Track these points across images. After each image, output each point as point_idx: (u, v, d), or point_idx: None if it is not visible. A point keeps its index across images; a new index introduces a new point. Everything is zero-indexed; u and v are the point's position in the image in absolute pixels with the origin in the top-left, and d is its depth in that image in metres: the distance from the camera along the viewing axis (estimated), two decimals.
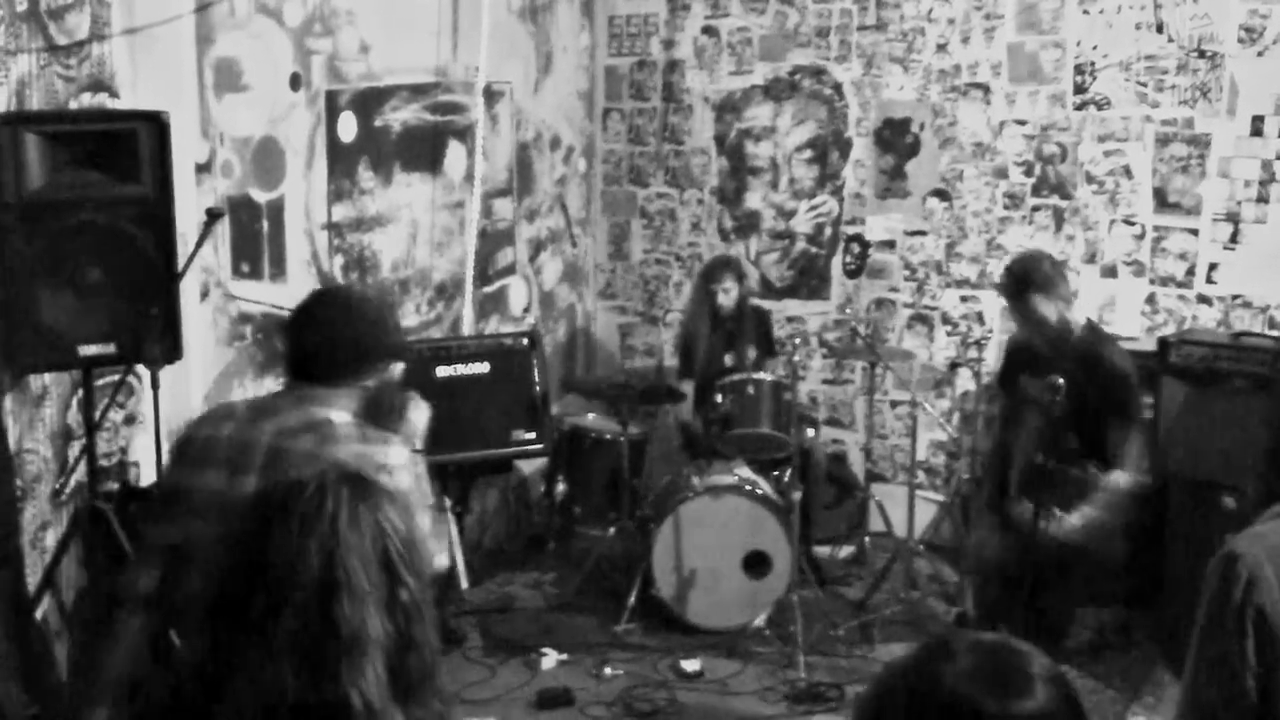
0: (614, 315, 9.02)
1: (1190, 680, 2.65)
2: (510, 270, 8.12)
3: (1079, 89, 7.58)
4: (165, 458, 4.59)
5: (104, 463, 5.25)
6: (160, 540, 3.40)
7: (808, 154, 8.34)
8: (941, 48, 7.90)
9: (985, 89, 7.83)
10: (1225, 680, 2.57)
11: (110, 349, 4.92)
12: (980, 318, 7.93)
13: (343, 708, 1.96)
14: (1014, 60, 7.73)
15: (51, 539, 5.09)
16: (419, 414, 3.78)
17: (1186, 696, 2.67)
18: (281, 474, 3.25)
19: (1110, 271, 7.59)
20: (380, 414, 3.53)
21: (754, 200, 8.52)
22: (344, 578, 2.01)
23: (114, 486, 5.27)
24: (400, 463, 3.36)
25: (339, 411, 3.39)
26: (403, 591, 2.06)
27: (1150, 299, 7.50)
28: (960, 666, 1.83)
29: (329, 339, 3.43)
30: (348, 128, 6.67)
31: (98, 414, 5.05)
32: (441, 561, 3.55)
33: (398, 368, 3.56)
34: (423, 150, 7.20)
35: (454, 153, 7.42)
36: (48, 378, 5.12)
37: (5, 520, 4.78)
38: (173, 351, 5.00)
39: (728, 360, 7.52)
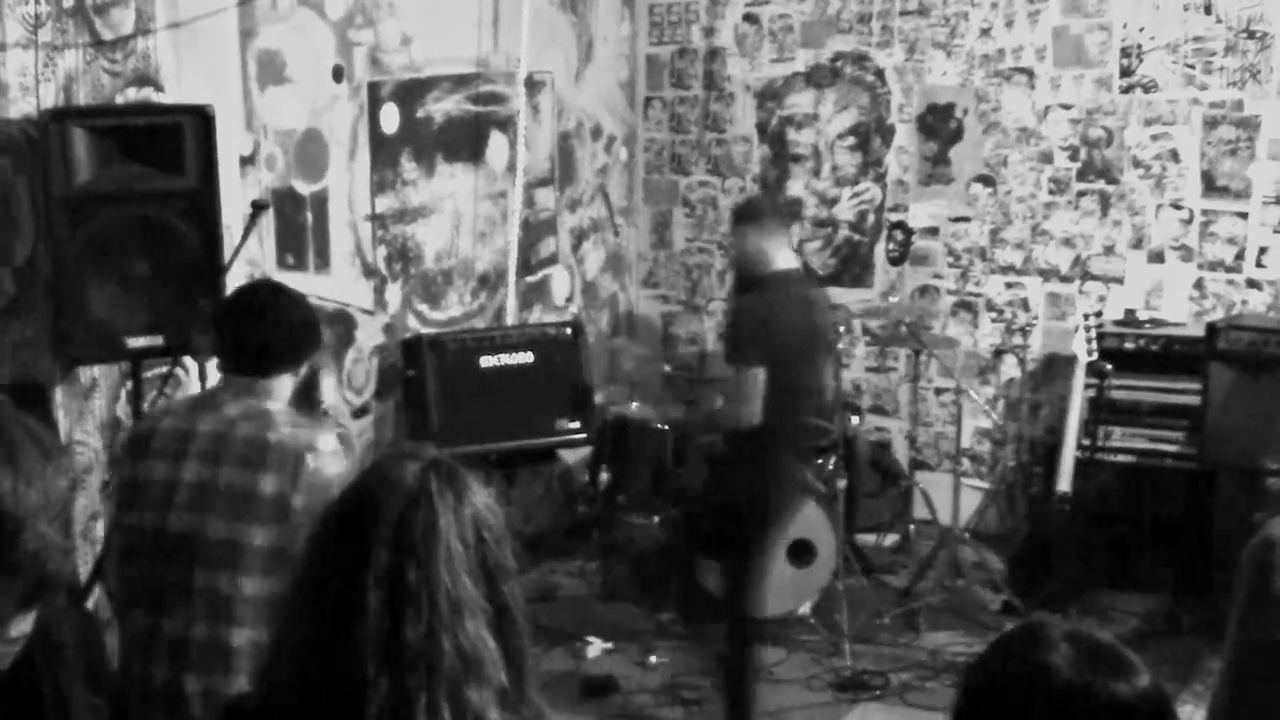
0: (656, 304, 9.03)
1: (1228, 664, 2.68)
2: (553, 260, 8.16)
3: (1125, 72, 7.54)
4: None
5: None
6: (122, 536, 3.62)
7: (850, 141, 8.32)
8: (985, 32, 7.87)
9: (1030, 73, 7.79)
10: (1263, 664, 2.60)
11: (158, 341, 5.00)
12: (1025, 304, 7.92)
13: None
14: (1059, 44, 7.70)
15: (101, 530, 5.17)
16: (333, 393, 4.02)
17: (1225, 680, 2.70)
18: (250, 463, 3.43)
19: (1157, 257, 7.56)
20: (307, 399, 3.67)
21: (796, 188, 8.51)
22: (463, 595, 1.93)
23: None
24: (330, 449, 3.51)
25: (275, 402, 3.58)
26: (502, 598, 1.99)
27: (1198, 284, 7.47)
28: (1064, 654, 1.89)
29: (268, 334, 3.59)
30: (390, 119, 6.72)
31: (146, 405, 5.12)
32: None
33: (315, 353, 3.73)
34: (465, 141, 7.25)
35: (496, 143, 7.46)
36: (96, 370, 5.19)
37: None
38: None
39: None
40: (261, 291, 3.84)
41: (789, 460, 5.79)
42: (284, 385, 3.62)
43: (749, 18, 8.52)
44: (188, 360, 5.31)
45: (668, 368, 8.06)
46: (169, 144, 4.96)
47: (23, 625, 1.71)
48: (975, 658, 2.06)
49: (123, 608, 3.67)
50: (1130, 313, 7.44)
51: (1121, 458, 7.02)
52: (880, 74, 8.21)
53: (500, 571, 2.00)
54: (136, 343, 5.00)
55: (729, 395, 5.59)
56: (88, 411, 5.18)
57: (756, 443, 5.54)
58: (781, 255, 5.64)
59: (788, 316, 5.54)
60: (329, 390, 3.93)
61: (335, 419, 3.87)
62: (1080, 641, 1.92)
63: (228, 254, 5.05)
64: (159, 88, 5.41)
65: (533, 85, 7.71)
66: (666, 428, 7.27)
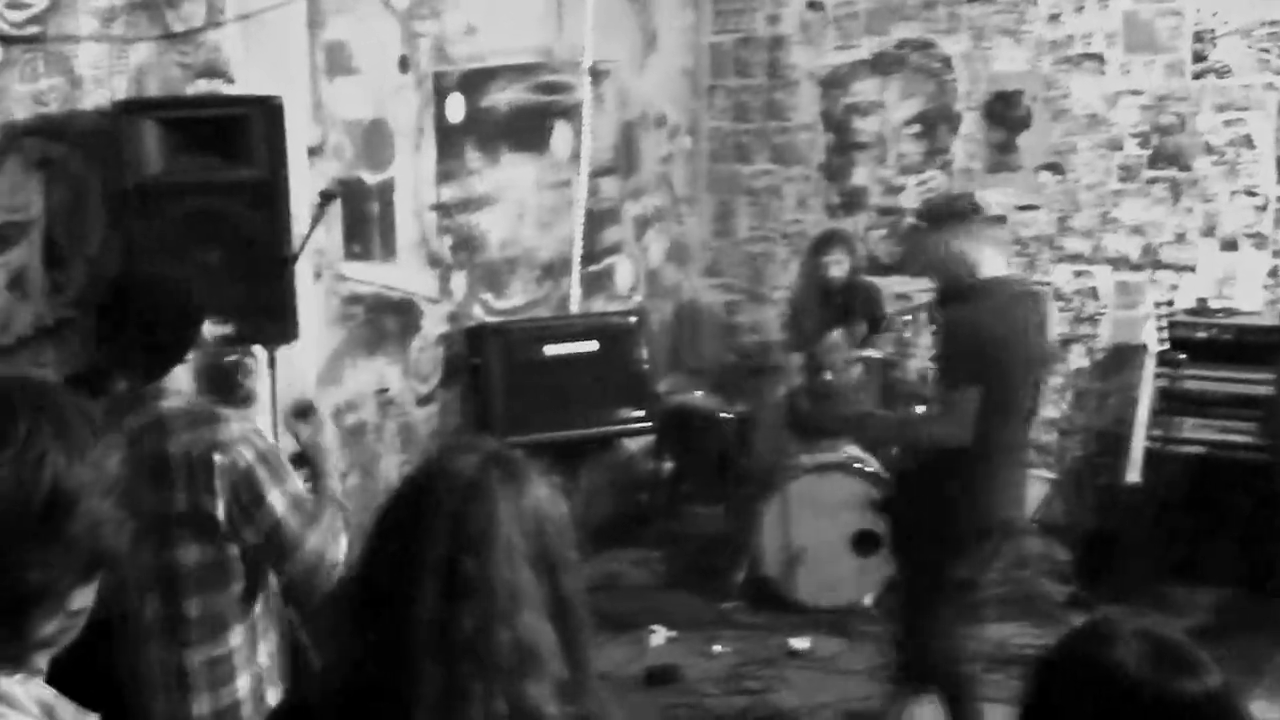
0: (719, 293, 9.04)
1: None
2: (616, 249, 8.20)
3: (1198, 57, 7.50)
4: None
5: None
6: None
7: (915, 128, 8.32)
8: (1054, 18, 7.84)
9: (1099, 59, 7.77)
10: None
11: (227, 329, 5.05)
12: (1094, 293, 7.90)
13: (534, 719, 1.91)
14: (1129, 29, 7.66)
15: None
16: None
17: None
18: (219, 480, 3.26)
19: (1230, 244, 7.53)
20: (220, 380, 3.53)
21: (861, 176, 8.51)
22: (521, 586, 1.94)
23: None
24: (237, 435, 3.36)
25: (169, 400, 3.40)
26: (562, 590, 1.98)
27: (1273, 272, 7.44)
28: (1133, 651, 1.91)
29: (145, 332, 3.41)
30: (455, 108, 6.77)
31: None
32: (330, 553, 3.41)
33: (205, 329, 3.55)
34: (529, 130, 7.29)
35: (560, 132, 7.50)
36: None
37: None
38: (288, 332, 5.12)
39: (838, 336, 7.49)
40: (124, 291, 3.57)
41: (1000, 491, 5.20)
42: (175, 378, 3.44)
43: (813, 5, 8.51)
44: (257, 348, 5.37)
45: (731, 356, 8.06)
46: (238, 135, 4.98)
47: (83, 599, 1.77)
48: (1043, 652, 2.07)
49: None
50: (1202, 301, 7.41)
51: (1192, 449, 6.97)
52: (946, 61, 8.18)
53: (561, 563, 1.99)
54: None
55: (937, 414, 5.12)
56: None
57: (963, 467, 5.02)
58: (989, 260, 5.12)
59: (1004, 331, 5.01)
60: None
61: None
62: (1150, 639, 1.93)
63: (296, 243, 5.10)
64: (228, 79, 5.46)
65: (596, 74, 7.73)
66: (728, 416, 7.29)
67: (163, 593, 3.34)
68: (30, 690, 1.76)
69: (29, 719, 1.75)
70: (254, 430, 3.45)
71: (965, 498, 5.05)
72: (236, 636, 3.41)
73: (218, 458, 3.29)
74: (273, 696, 3.47)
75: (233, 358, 5.36)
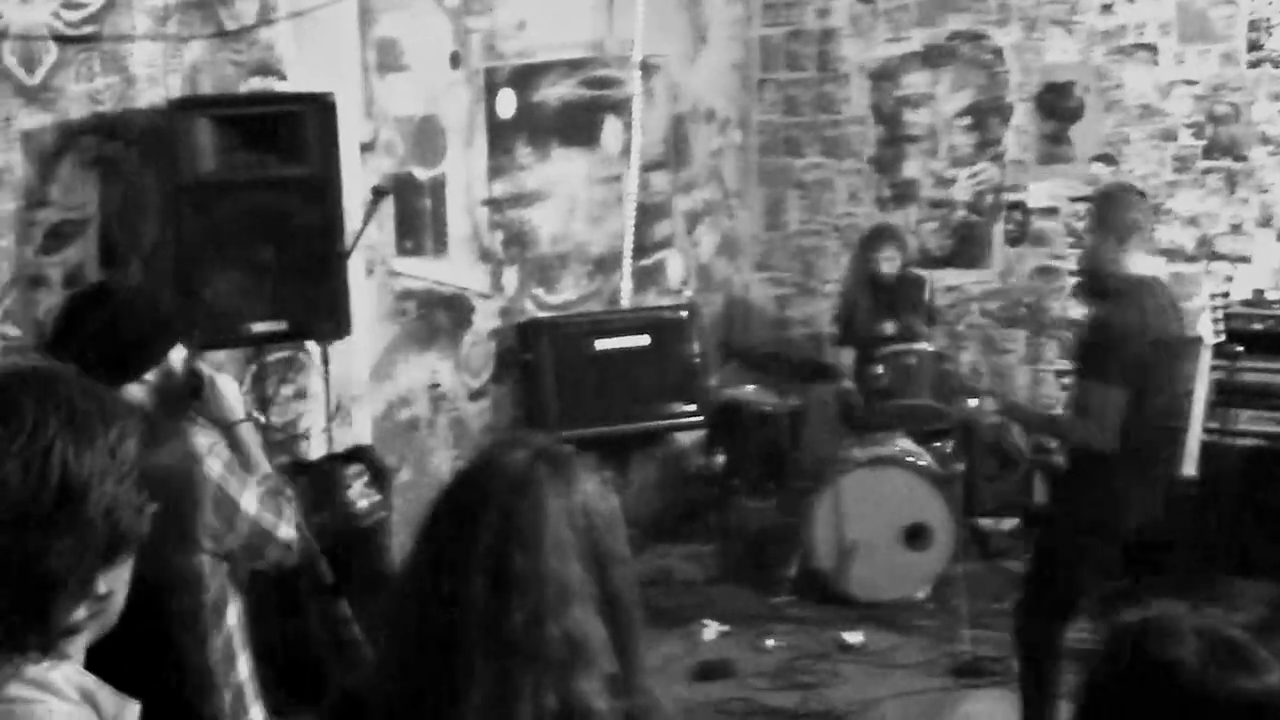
0: (770, 287, 9.02)
1: None
2: (667, 243, 8.19)
3: (1253, 46, 7.45)
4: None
5: (276, 437, 5.40)
6: None
7: (967, 120, 8.27)
8: (1106, 8, 7.79)
9: (1152, 49, 7.71)
10: None
11: (281, 326, 5.07)
12: None
13: (584, 714, 1.90)
14: (1183, 18, 7.60)
15: None
16: (228, 385, 3.57)
17: None
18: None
19: None
20: (173, 402, 3.38)
21: (912, 169, 8.47)
22: (571, 581, 1.93)
23: (285, 460, 5.41)
24: (201, 451, 3.27)
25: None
26: (612, 584, 1.97)
27: None
28: (1194, 648, 1.90)
29: (96, 346, 3.21)
30: (506, 104, 6.78)
31: (269, 389, 5.22)
32: (286, 533, 3.39)
33: (177, 353, 3.41)
34: (580, 125, 7.28)
35: (610, 127, 7.50)
36: (220, 354, 5.27)
37: None
38: (341, 327, 5.15)
39: (888, 328, 7.49)
40: (81, 303, 3.44)
41: (1137, 498, 5.09)
42: (131, 397, 3.25)
43: None
44: (309, 345, 5.39)
45: (782, 350, 8.03)
46: (291, 132, 5.01)
47: (110, 583, 1.79)
48: (1099, 648, 2.06)
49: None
50: (1259, 293, 7.33)
51: (1248, 441, 6.90)
52: (998, 52, 8.13)
53: (610, 558, 1.98)
54: (259, 328, 5.05)
55: (1082, 413, 4.96)
56: None
57: (1106, 470, 4.95)
58: (1143, 259, 5.02)
59: (1153, 333, 4.89)
60: (229, 393, 3.53)
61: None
62: (1209, 636, 1.91)
63: (349, 239, 5.12)
64: (281, 76, 5.48)
65: (647, 69, 7.72)
66: (780, 410, 7.27)
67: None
68: (69, 676, 1.77)
69: (70, 705, 1.75)
70: (216, 441, 3.38)
71: (1106, 503, 4.97)
72: (214, 653, 3.33)
73: (194, 469, 3.23)
74: (256, 714, 3.42)
75: (285, 354, 5.37)
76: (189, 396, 3.42)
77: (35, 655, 1.74)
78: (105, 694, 1.80)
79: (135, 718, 1.83)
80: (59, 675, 1.76)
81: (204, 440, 3.34)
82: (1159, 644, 1.92)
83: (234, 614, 3.39)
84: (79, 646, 1.81)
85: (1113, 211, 5.03)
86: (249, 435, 3.54)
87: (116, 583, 1.81)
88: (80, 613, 1.76)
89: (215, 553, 3.30)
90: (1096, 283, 5.08)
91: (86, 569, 1.74)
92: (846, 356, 7.62)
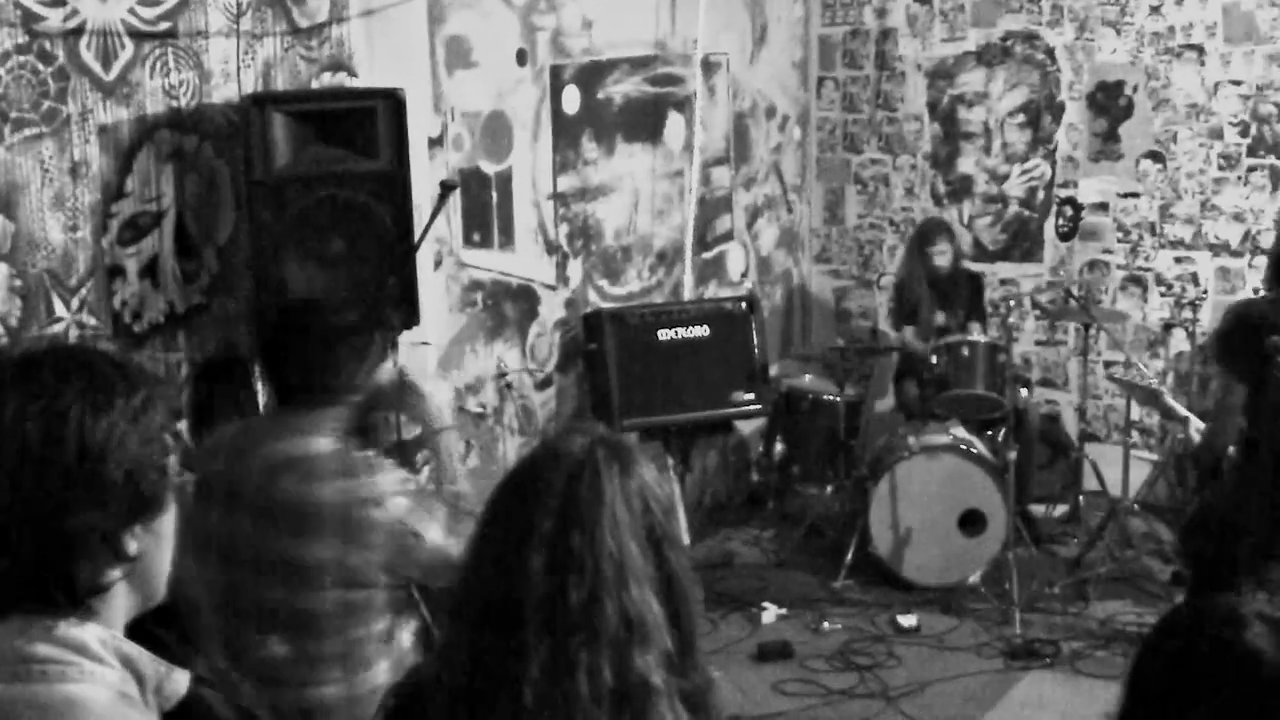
0: (829, 279, 8.88)
1: None
2: (728, 236, 8.06)
3: None
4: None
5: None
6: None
7: (1020, 118, 8.11)
8: (1155, 9, 7.62)
9: (1200, 50, 7.52)
10: None
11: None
12: (1195, 279, 7.64)
13: (644, 690, 1.87)
14: (1229, 20, 7.45)
15: None
16: (438, 390, 3.43)
17: None
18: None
19: None
20: (374, 426, 3.29)
21: (966, 165, 8.31)
22: (628, 560, 1.91)
23: None
24: (390, 489, 3.08)
25: (322, 438, 3.11)
26: (669, 566, 1.95)
27: None
28: (1265, 634, 1.83)
29: (302, 363, 3.14)
30: (571, 101, 6.68)
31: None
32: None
33: (385, 369, 3.28)
34: (643, 121, 7.18)
35: (673, 123, 7.38)
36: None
37: None
38: (410, 318, 5.04)
39: (940, 319, 7.35)
40: (294, 316, 3.36)
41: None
42: (334, 417, 3.15)
43: None
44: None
45: (840, 342, 7.90)
46: (362, 127, 4.92)
47: (141, 544, 1.75)
48: (1154, 634, 1.99)
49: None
50: None
51: None
52: (1050, 52, 7.98)
53: (667, 541, 1.96)
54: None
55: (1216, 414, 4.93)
56: None
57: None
58: None
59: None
60: (438, 398, 3.39)
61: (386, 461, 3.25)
62: (1271, 620, 1.86)
63: (418, 232, 5.02)
64: (352, 73, 5.41)
65: (709, 67, 7.61)
66: (839, 399, 7.17)
67: (293, 634, 3.10)
68: (104, 639, 1.71)
69: (104, 668, 1.69)
70: (402, 477, 3.16)
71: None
72: (381, 674, 3.14)
73: (374, 513, 3.04)
74: None
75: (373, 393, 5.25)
76: (387, 422, 3.35)
77: (64, 611, 1.69)
78: (147, 660, 1.74)
79: (183, 687, 1.77)
80: (93, 637, 1.69)
81: (389, 480, 3.11)
82: (1231, 631, 1.85)
83: (407, 635, 3.23)
84: (116, 611, 1.76)
85: None
86: (451, 443, 3.41)
87: (151, 545, 1.77)
88: (111, 574, 1.73)
89: (391, 585, 3.11)
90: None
91: (111, 527, 1.70)
92: (906, 334, 7.53)
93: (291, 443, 3.12)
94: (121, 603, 1.76)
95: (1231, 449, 5.18)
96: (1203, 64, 7.54)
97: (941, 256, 7.38)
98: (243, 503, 3.12)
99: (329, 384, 3.15)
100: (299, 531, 3.05)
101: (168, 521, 1.80)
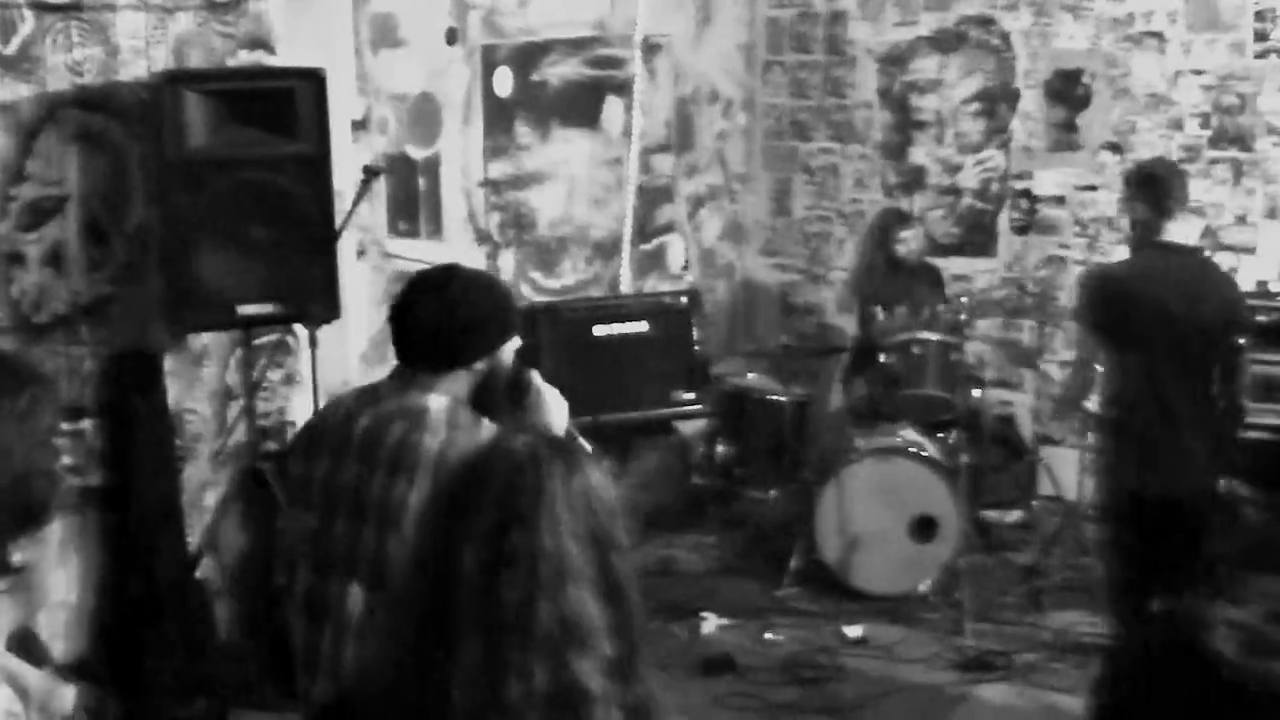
0: (775, 273, 8.85)
1: None
2: (669, 227, 8.04)
3: (1260, 36, 7.21)
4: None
5: (263, 423, 5.29)
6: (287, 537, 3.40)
7: (975, 107, 8.08)
8: None
9: (1160, 37, 7.50)
10: None
11: (269, 308, 4.97)
12: None
13: (580, 695, 1.87)
14: (1191, 7, 7.41)
15: (211, 499, 5.13)
16: (554, 397, 3.46)
17: None
18: (389, 458, 3.14)
19: None
20: (491, 398, 3.33)
21: (919, 155, 8.28)
22: (567, 561, 1.91)
23: (273, 447, 5.29)
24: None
25: (439, 396, 3.23)
26: (613, 571, 1.95)
27: None
28: (1230, 638, 1.79)
29: (429, 326, 3.25)
30: (504, 83, 6.66)
31: (256, 374, 5.06)
32: None
33: (510, 346, 3.36)
34: (581, 105, 7.16)
35: (612, 108, 7.37)
36: (207, 337, 5.13)
37: (167, 480, 4.79)
38: (331, 310, 5.02)
39: (899, 314, 7.28)
40: (426, 281, 3.43)
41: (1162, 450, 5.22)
42: (452, 381, 3.25)
43: None
44: (298, 328, 5.20)
45: (787, 339, 7.86)
46: (282, 108, 4.91)
47: (25, 554, 1.73)
48: (1118, 641, 2.03)
49: (287, 613, 3.39)
50: (1262, 284, 7.12)
51: (1254, 434, 6.66)
52: (1006, 38, 7.94)
53: (610, 544, 1.97)
54: (248, 310, 4.94)
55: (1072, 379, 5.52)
56: (197, 380, 5.11)
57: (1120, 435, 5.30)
58: (1174, 228, 5.24)
59: (1152, 293, 5.14)
60: (556, 415, 3.43)
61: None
62: (1240, 628, 1.81)
63: (339, 219, 4.97)
64: (271, 51, 5.35)
65: (650, 49, 7.59)
66: (785, 400, 7.13)
67: (373, 584, 3.15)
68: None
69: None
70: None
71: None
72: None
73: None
74: None
75: (273, 338, 5.20)
76: (511, 399, 3.32)
77: None
78: (34, 677, 1.72)
79: (69, 704, 1.74)
80: None
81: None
82: (1195, 635, 1.83)
83: None
84: None
85: (1159, 186, 5.31)
86: None
87: (38, 555, 1.72)
88: None
89: None
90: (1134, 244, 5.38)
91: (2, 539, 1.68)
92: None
93: (408, 397, 3.24)
94: (3, 619, 1.72)
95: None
96: (1163, 52, 7.51)
97: (904, 245, 7.33)
98: (350, 449, 3.23)
99: (453, 351, 3.26)
100: (395, 470, 3.14)
101: (56, 529, 1.76)
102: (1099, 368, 5.65)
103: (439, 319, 3.24)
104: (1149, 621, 2.02)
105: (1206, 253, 5.95)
